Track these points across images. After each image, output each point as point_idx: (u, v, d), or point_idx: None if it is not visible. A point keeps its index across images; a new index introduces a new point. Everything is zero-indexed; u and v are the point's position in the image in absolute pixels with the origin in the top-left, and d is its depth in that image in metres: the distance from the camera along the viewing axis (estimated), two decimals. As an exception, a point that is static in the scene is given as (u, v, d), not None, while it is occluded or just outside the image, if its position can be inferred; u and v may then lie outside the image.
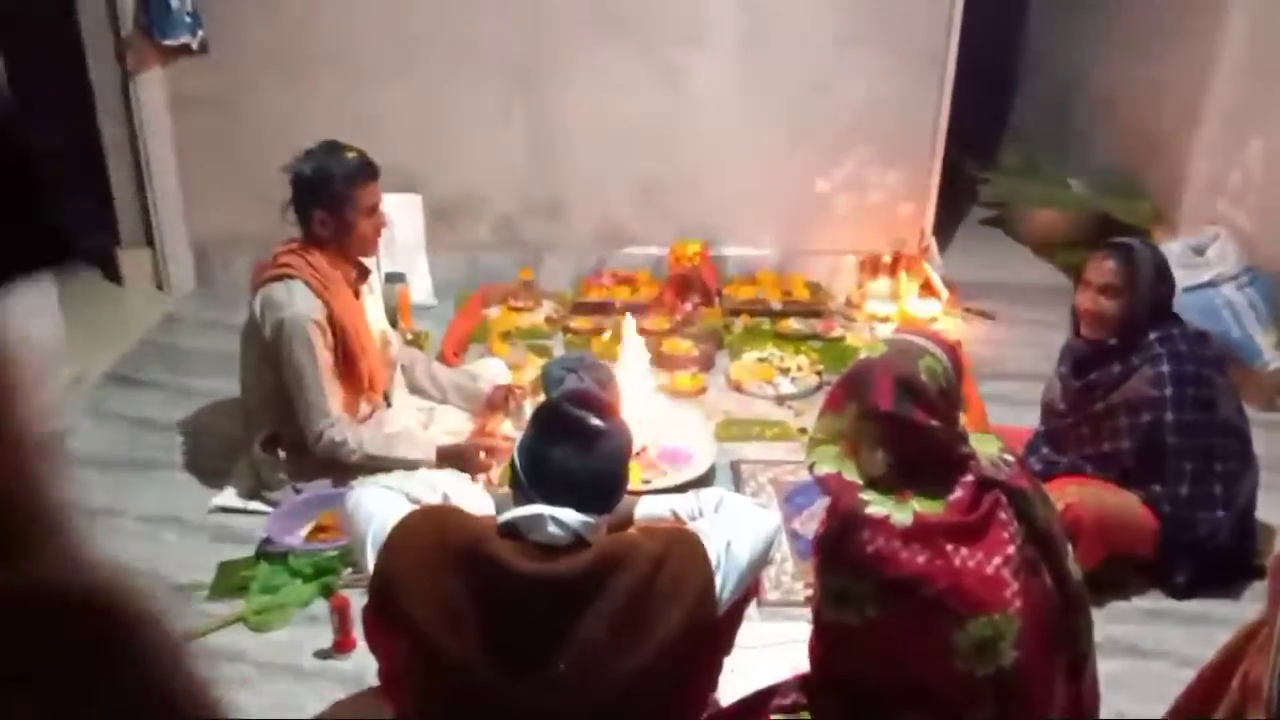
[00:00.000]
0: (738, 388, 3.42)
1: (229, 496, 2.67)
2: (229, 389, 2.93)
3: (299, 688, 2.06)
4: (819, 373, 3.49)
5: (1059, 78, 5.31)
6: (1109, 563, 2.34)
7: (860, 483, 1.62)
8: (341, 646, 2.18)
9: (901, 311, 3.98)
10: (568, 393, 1.49)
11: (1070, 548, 1.64)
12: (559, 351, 3.52)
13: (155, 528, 2.57)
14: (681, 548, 1.51)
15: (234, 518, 2.60)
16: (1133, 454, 2.42)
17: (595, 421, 1.46)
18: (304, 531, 2.48)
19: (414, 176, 3.92)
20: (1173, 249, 3.54)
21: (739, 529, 1.61)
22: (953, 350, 1.67)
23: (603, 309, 3.84)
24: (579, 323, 3.79)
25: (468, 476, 2.49)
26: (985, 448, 1.66)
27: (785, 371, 3.48)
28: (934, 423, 1.58)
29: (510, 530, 1.45)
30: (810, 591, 2.21)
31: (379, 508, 1.57)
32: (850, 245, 4.15)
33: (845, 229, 4.14)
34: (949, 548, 1.54)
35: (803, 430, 3.14)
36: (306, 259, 2.55)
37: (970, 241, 4.84)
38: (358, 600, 2.10)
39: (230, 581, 2.35)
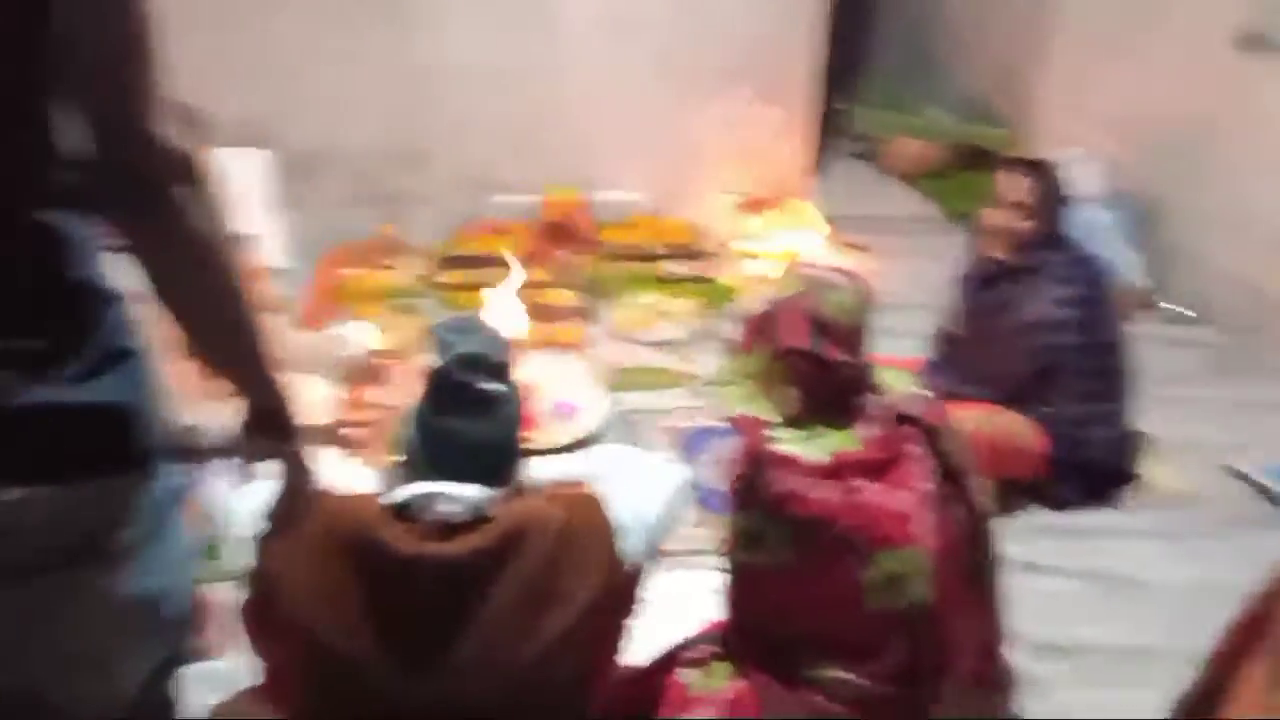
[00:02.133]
0: (621, 336, 3.34)
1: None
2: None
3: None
4: (702, 315, 3.44)
5: (915, 8, 5.34)
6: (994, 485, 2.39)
7: (772, 421, 1.59)
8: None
9: (782, 249, 3.96)
10: (460, 357, 1.37)
11: (981, 481, 1.64)
12: (428, 311, 3.35)
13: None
14: (585, 513, 1.43)
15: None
16: (1029, 375, 2.46)
17: (490, 386, 1.36)
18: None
19: (264, 129, 3.63)
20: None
21: (643, 487, 1.53)
22: (860, 284, 1.64)
23: (479, 262, 3.65)
24: (450, 277, 3.60)
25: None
26: (899, 383, 1.65)
27: (668, 316, 3.42)
28: (845, 358, 1.57)
29: (402, 511, 1.33)
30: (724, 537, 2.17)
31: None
32: (727, 185, 4.08)
33: (722, 169, 4.06)
34: (859, 483, 1.53)
35: (690, 375, 3.10)
36: None
37: (839, 175, 4.86)
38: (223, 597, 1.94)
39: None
